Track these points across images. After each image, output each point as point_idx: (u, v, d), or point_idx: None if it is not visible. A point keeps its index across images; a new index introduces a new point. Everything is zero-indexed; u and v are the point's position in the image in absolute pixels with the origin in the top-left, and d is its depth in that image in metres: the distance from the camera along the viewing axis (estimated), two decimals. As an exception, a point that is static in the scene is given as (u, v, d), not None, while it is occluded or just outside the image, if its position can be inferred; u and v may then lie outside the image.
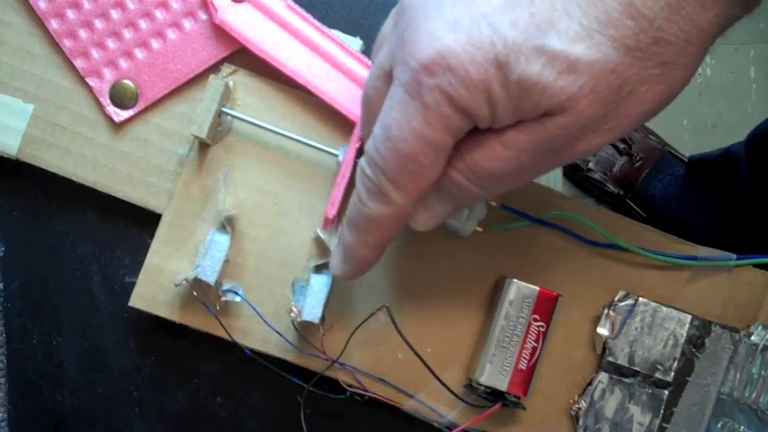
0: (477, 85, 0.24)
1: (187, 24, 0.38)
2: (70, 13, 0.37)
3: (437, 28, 0.24)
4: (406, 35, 0.25)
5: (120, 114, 0.37)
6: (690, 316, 0.37)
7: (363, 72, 0.37)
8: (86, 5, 0.37)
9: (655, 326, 0.37)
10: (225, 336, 0.35)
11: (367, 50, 0.38)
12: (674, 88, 0.25)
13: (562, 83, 0.24)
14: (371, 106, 0.28)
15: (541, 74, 0.24)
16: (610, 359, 0.37)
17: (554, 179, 0.41)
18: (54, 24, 0.37)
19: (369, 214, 0.28)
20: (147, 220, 0.37)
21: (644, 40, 0.24)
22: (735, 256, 0.38)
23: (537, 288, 0.35)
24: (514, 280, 0.36)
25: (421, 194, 0.27)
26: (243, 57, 0.37)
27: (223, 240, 0.35)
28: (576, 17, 0.24)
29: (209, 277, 0.34)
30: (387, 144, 0.26)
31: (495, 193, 0.28)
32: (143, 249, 0.36)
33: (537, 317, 0.35)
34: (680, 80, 0.25)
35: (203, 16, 0.37)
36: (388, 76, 0.27)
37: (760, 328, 0.37)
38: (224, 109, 0.36)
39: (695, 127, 1.05)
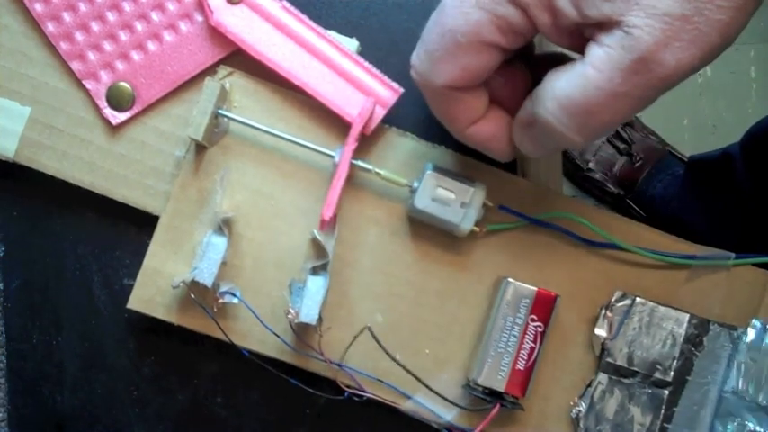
0: None
1: (183, 26, 0.38)
2: (66, 16, 0.37)
3: None
4: None
5: (117, 117, 0.37)
6: (687, 315, 0.37)
7: (359, 73, 0.37)
8: (82, 8, 0.37)
9: (653, 325, 0.37)
10: (223, 337, 0.35)
11: (363, 52, 0.38)
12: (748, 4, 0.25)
13: None
14: None
15: None
16: (608, 360, 0.37)
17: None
18: (50, 27, 0.37)
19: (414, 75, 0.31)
20: (146, 221, 0.37)
21: None
22: (733, 255, 0.37)
23: (535, 288, 0.35)
24: (512, 280, 0.36)
25: (456, 83, 0.29)
26: (239, 59, 0.37)
27: (220, 242, 0.35)
28: None
29: (207, 279, 0.34)
30: (436, 17, 0.29)
31: (586, 133, 0.28)
32: (143, 250, 0.36)
33: (535, 317, 0.35)
34: None
35: (199, 18, 0.38)
36: None
37: (759, 325, 0.37)
38: (220, 111, 0.36)
39: (695, 127, 1.05)
